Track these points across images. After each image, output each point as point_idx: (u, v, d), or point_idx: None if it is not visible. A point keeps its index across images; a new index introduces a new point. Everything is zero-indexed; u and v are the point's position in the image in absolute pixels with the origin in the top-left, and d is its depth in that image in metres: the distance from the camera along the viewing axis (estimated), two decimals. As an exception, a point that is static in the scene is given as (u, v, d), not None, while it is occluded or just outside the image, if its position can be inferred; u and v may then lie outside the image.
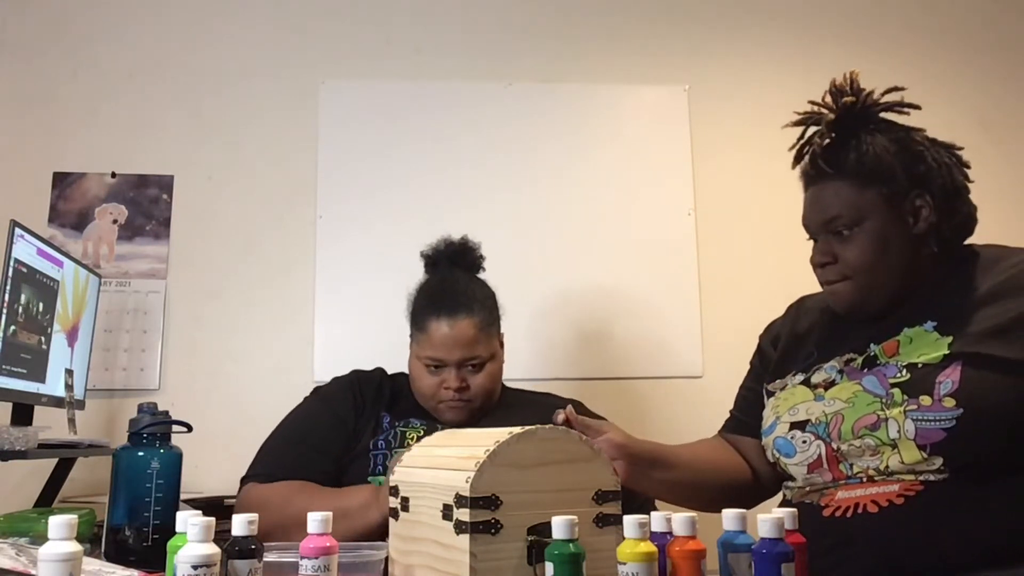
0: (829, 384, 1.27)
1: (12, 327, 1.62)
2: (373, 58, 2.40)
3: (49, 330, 1.80)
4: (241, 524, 0.87)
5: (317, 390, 1.67)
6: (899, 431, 1.13)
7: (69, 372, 1.89)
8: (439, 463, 0.97)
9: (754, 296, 2.24)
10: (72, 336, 1.93)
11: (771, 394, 1.37)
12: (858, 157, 1.26)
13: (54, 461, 1.84)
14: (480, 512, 0.85)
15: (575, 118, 2.40)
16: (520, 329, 2.29)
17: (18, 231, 1.65)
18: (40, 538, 1.05)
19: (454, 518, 0.87)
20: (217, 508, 1.72)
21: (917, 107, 1.31)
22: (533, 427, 0.92)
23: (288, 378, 2.18)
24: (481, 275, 1.71)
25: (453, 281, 1.63)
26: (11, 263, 1.61)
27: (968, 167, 1.31)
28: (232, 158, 2.31)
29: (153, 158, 2.29)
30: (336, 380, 1.67)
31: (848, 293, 1.28)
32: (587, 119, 2.41)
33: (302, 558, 0.87)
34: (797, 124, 1.35)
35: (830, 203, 1.28)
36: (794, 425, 1.27)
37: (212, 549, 0.83)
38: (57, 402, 1.84)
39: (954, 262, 1.28)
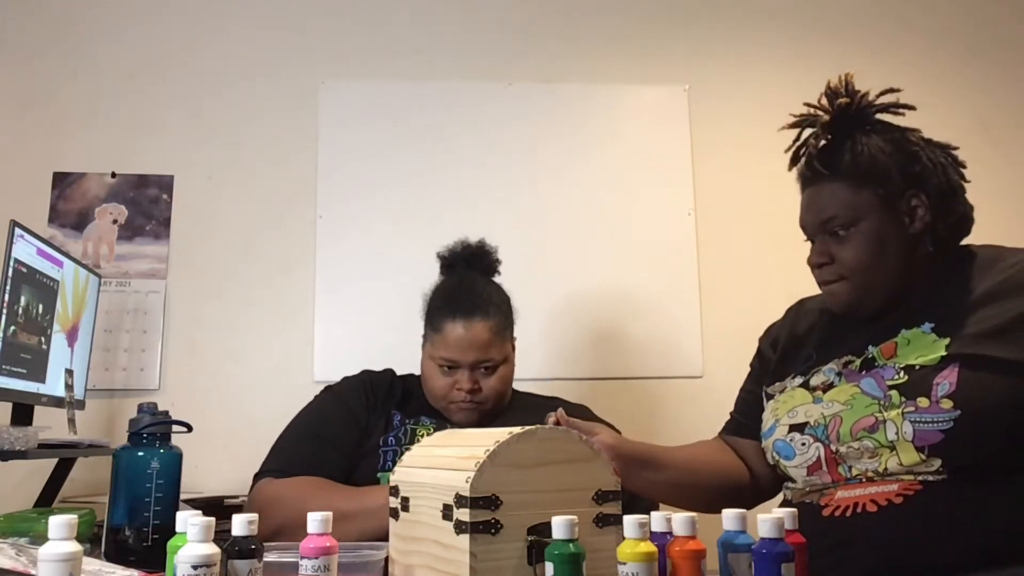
0: (828, 386, 1.27)
1: (12, 327, 1.62)
2: (373, 58, 2.40)
3: (49, 330, 1.80)
4: (241, 524, 0.87)
5: (329, 388, 1.67)
6: (897, 433, 1.13)
7: (69, 372, 1.89)
8: (439, 463, 0.97)
9: (754, 296, 2.25)
10: (72, 336, 1.93)
11: (770, 396, 1.38)
12: (853, 158, 1.27)
13: (54, 461, 1.84)
14: (480, 512, 0.85)
15: (575, 118, 2.40)
16: (520, 329, 2.29)
17: (18, 231, 1.66)
18: (40, 538, 1.05)
19: (454, 518, 0.87)
20: (217, 508, 1.72)
21: (912, 107, 1.32)
22: (533, 427, 0.92)
23: (288, 378, 2.18)
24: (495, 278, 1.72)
25: (470, 283, 1.64)
26: (11, 263, 1.61)
27: (964, 167, 1.32)
28: (232, 158, 2.31)
29: (153, 158, 2.29)
30: (348, 379, 1.68)
31: (845, 293, 1.29)
32: (587, 119, 2.41)
33: (302, 558, 0.87)
34: (793, 126, 1.36)
35: (826, 204, 1.28)
36: (793, 427, 1.27)
37: (212, 549, 0.83)
38: (57, 402, 1.84)
39: (951, 263, 1.28)
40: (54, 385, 1.82)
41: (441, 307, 1.60)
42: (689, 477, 1.40)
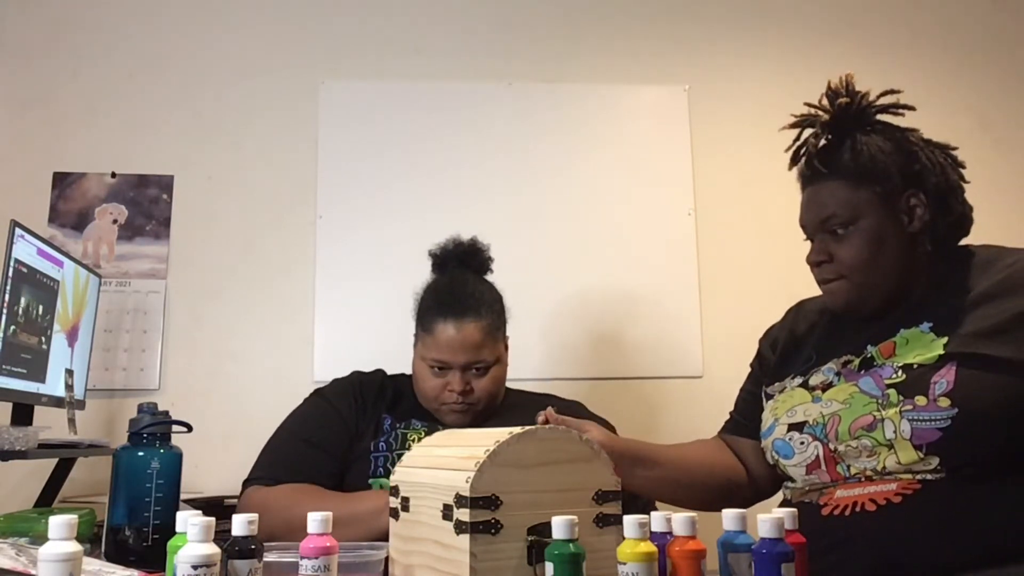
0: (827, 386, 1.28)
1: (12, 327, 1.62)
2: (373, 58, 2.40)
3: (49, 330, 1.80)
4: (241, 524, 0.87)
5: (318, 391, 1.66)
6: (895, 431, 1.14)
7: (69, 372, 1.89)
8: (439, 463, 0.97)
9: (754, 296, 2.25)
10: (72, 336, 1.93)
11: (770, 396, 1.38)
12: (853, 157, 1.28)
13: (54, 461, 1.84)
14: (480, 512, 0.85)
15: (575, 118, 2.40)
16: (520, 329, 2.29)
17: (18, 231, 1.66)
18: (40, 538, 1.05)
19: (454, 518, 0.87)
20: (217, 508, 1.72)
21: (912, 108, 1.32)
22: (533, 427, 0.92)
23: (288, 378, 2.18)
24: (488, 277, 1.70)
25: (462, 283, 1.62)
26: (11, 263, 1.61)
27: (963, 167, 1.32)
28: (232, 158, 2.31)
29: (153, 158, 2.29)
30: (337, 381, 1.66)
31: (844, 292, 1.29)
32: (587, 119, 2.41)
33: (302, 558, 0.88)
34: (793, 126, 1.36)
35: (825, 202, 1.29)
36: (792, 427, 1.27)
37: (212, 549, 0.83)
38: (57, 402, 1.84)
39: (950, 262, 1.29)
40: (54, 385, 1.82)
41: (432, 307, 1.58)
42: (683, 474, 1.40)
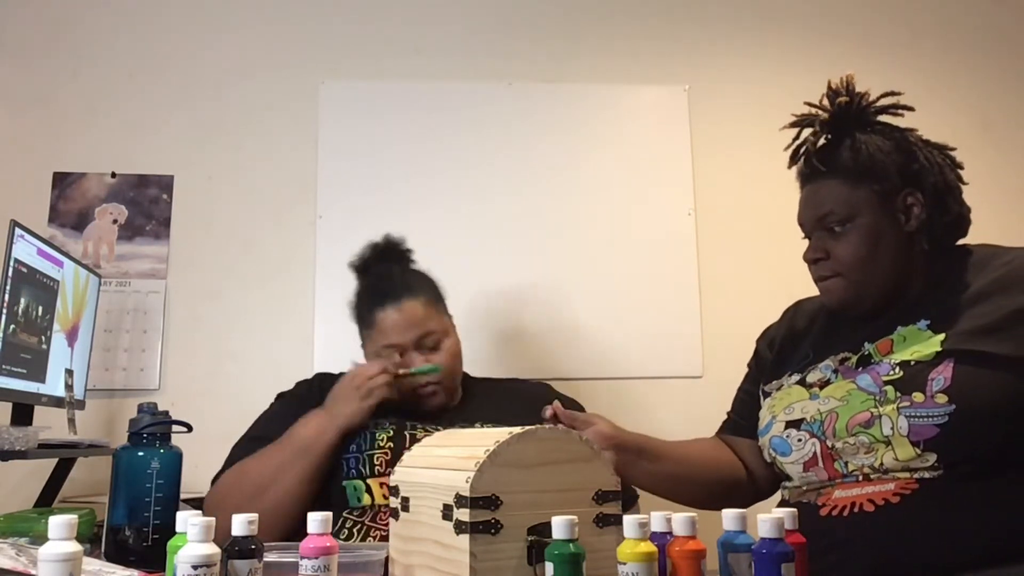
0: (824, 383, 1.28)
1: (12, 327, 1.62)
2: (373, 58, 2.40)
3: (49, 330, 1.80)
4: (241, 524, 0.87)
5: (280, 393, 1.66)
6: (892, 428, 1.14)
7: (69, 372, 1.89)
8: (439, 463, 0.97)
9: (754, 296, 2.24)
10: (72, 336, 1.93)
11: (767, 395, 1.38)
12: (852, 155, 1.28)
13: (54, 461, 1.84)
14: (480, 512, 0.85)
15: (575, 118, 2.40)
16: (520, 329, 2.29)
17: (18, 231, 1.66)
18: (40, 538, 1.05)
19: (454, 518, 0.87)
20: (217, 508, 1.72)
21: (911, 108, 1.33)
22: (533, 427, 0.92)
23: (288, 378, 2.16)
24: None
25: (388, 274, 1.64)
26: (11, 263, 1.61)
27: (961, 167, 1.33)
28: (232, 158, 2.31)
29: (153, 158, 2.29)
30: (300, 382, 1.66)
31: (840, 289, 1.30)
32: (587, 119, 2.40)
33: (302, 558, 0.87)
34: (793, 126, 1.37)
35: (823, 200, 1.30)
36: (789, 424, 1.28)
37: (212, 549, 0.83)
38: (57, 402, 1.84)
39: (947, 261, 1.29)
40: (54, 385, 1.82)
41: (367, 303, 1.60)
42: (685, 470, 1.41)
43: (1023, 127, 2.55)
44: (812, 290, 1.48)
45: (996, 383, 1.12)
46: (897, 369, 1.19)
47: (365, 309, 1.61)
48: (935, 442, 1.11)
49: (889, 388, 1.17)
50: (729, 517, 0.89)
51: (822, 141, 1.33)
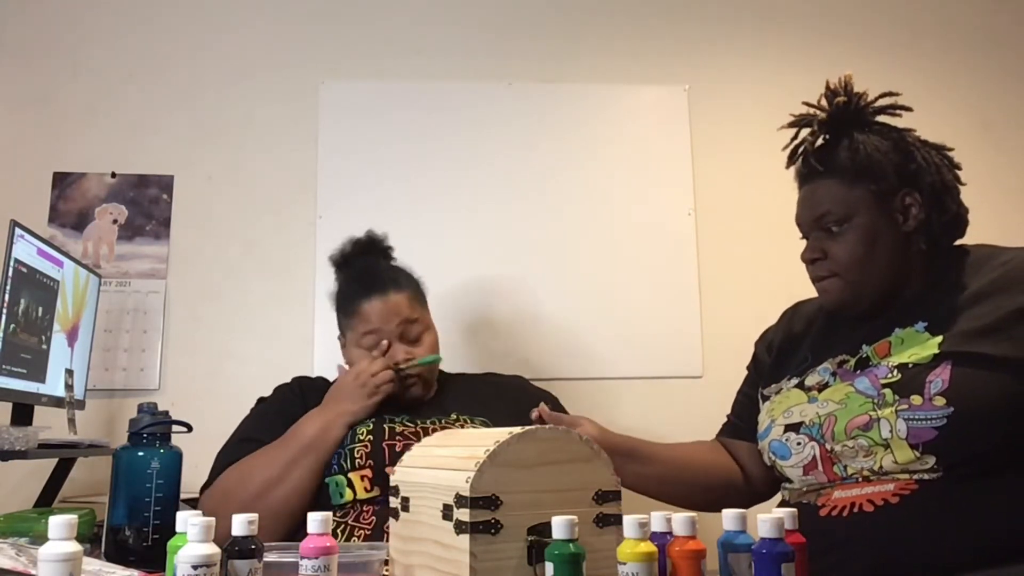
0: (823, 386, 1.28)
1: (12, 327, 1.62)
2: (373, 58, 2.39)
3: (49, 330, 1.80)
4: (241, 524, 0.87)
5: (261, 398, 1.66)
6: (891, 431, 1.14)
7: (69, 372, 1.89)
8: (439, 463, 0.97)
9: (754, 296, 2.25)
10: (72, 336, 1.93)
11: (766, 398, 1.38)
12: (849, 155, 1.28)
13: (54, 461, 1.84)
14: (480, 512, 0.85)
15: (575, 118, 2.40)
16: (520, 328, 2.29)
17: (18, 231, 1.66)
18: (40, 538, 1.05)
19: (454, 518, 0.87)
20: (217, 508, 1.72)
21: (909, 109, 1.33)
22: (533, 427, 0.92)
23: (288, 378, 2.17)
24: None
25: (372, 266, 1.66)
26: (11, 263, 1.61)
27: (959, 168, 1.32)
28: (232, 158, 2.31)
29: (153, 158, 2.29)
30: (280, 386, 1.67)
31: (837, 290, 1.30)
32: (587, 119, 2.40)
33: (302, 558, 0.87)
34: (792, 126, 1.37)
35: (820, 200, 1.30)
36: (788, 427, 1.28)
37: (212, 549, 0.83)
38: (57, 402, 1.84)
39: (944, 262, 1.29)
40: (54, 385, 1.82)
41: (352, 295, 1.61)
42: (677, 473, 1.41)
43: (1023, 127, 2.54)
44: (812, 290, 1.48)
45: (994, 384, 1.12)
46: (895, 372, 1.19)
47: (349, 299, 1.62)
48: (934, 445, 1.11)
49: (887, 391, 1.17)
50: (729, 517, 0.89)
51: (820, 141, 1.33)
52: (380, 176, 2.32)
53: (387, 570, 1.02)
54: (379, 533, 1.35)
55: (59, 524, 0.80)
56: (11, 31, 2.31)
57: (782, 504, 1.31)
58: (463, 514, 0.85)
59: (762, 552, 0.84)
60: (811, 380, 1.31)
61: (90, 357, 2.04)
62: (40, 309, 1.76)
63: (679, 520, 0.87)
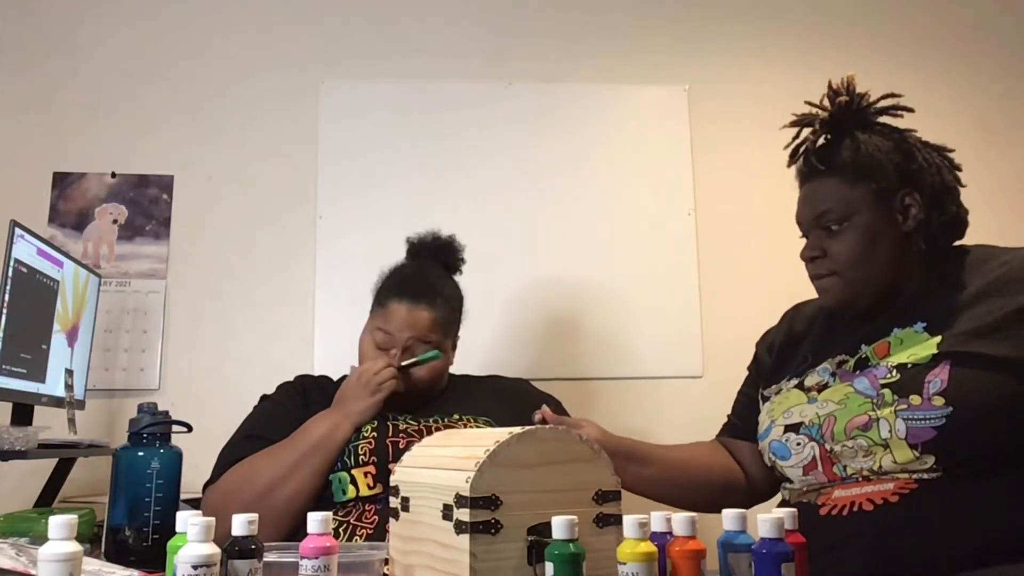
0: (822, 387, 1.28)
1: (12, 327, 1.62)
2: (373, 58, 2.40)
3: (49, 330, 1.80)
4: (241, 524, 0.87)
5: (264, 395, 1.66)
6: (890, 431, 1.14)
7: (69, 372, 1.89)
8: (439, 463, 0.97)
9: (754, 296, 2.25)
10: (72, 336, 1.93)
11: (766, 399, 1.39)
12: (851, 154, 1.29)
13: (54, 461, 1.84)
14: (480, 512, 0.85)
15: (575, 118, 2.40)
16: (520, 329, 2.29)
17: (18, 231, 1.66)
18: (40, 538, 1.05)
19: (454, 518, 0.87)
20: (217, 508, 1.72)
21: (911, 110, 1.33)
22: (533, 427, 0.92)
23: (288, 378, 2.17)
24: (459, 277, 1.72)
25: (426, 271, 1.65)
26: (11, 263, 1.61)
27: (959, 169, 1.33)
28: (232, 158, 2.31)
29: (153, 158, 2.29)
30: (283, 384, 1.67)
31: (837, 289, 1.30)
32: (587, 119, 2.40)
33: (302, 558, 0.87)
34: (793, 125, 1.37)
35: (821, 199, 1.30)
36: (788, 428, 1.28)
37: (212, 549, 0.83)
38: (57, 402, 1.84)
39: (944, 262, 1.29)
40: (54, 385, 1.82)
41: (391, 287, 1.61)
42: (677, 474, 1.42)
43: (1023, 127, 2.54)
44: (811, 291, 1.48)
45: (993, 384, 1.12)
46: (894, 372, 1.19)
47: (386, 290, 1.62)
48: (933, 444, 1.11)
49: (886, 391, 1.17)
50: (729, 517, 0.89)
51: (821, 140, 1.33)
52: (380, 176, 2.32)
53: (387, 570, 1.02)
54: (381, 533, 1.35)
55: (59, 524, 0.80)
56: (11, 31, 2.31)
57: (782, 504, 1.31)
58: (463, 514, 0.85)
59: (762, 552, 0.84)
60: (810, 380, 1.31)
61: (90, 357, 2.04)
62: (40, 309, 1.76)
63: (679, 520, 0.87)
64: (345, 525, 1.39)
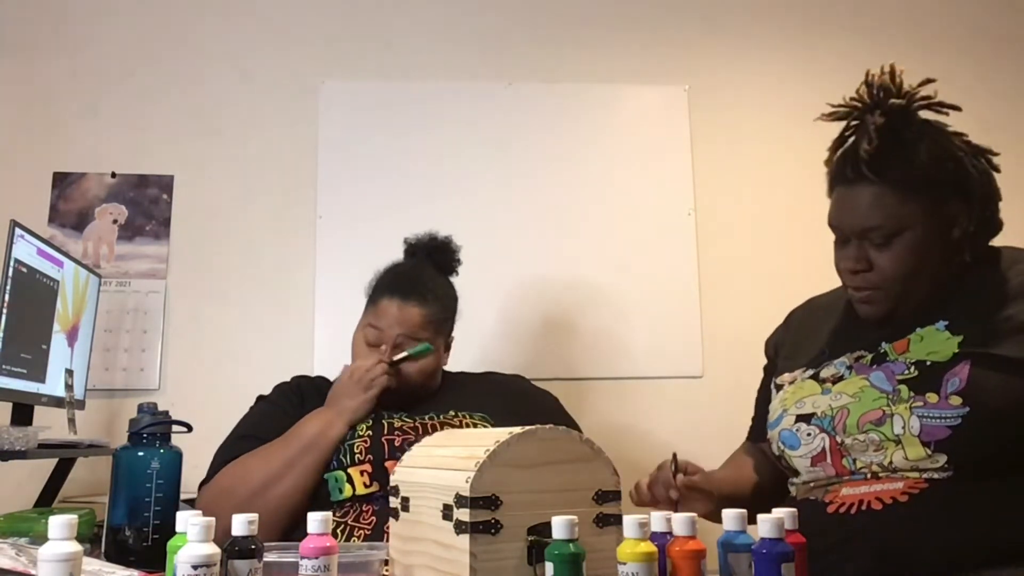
0: (837, 379, 1.26)
1: (12, 327, 1.62)
2: (373, 59, 2.40)
3: (49, 330, 1.80)
4: (241, 524, 0.87)
5: (260, 395, 1.66)
6: (904, 427, 1.13)
7: (69, 372, 1.89)
8: (439, 463, 0.97)
9: (754, 296, 2.25)
10: (72, 336, 1.93)
11: (780, 387, 1.37)
12: (905, 166, 1.22)
13: (54, 461, 1.84)
14: (480, 512, 0.85)
15: (575, 118, 2.40)
16: (520, 329, 2.29)
17: (18, 231, 1.66)
18: (40, 538, 1.04)
19: (454, 518, 0.87)
20: (217, 508, 1.72)
21: (958, 108, 1.27)
22: (533, 427, 0.92)
23: (288, 378, 2.17)
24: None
25: (420, 271, 1.66)
26: (11, 263, 1.61)
27: (998, 171, 1.28)
28: (232, 158, 2.31)
29: (153, 158, 2.29)
30: (279, 384, 1.67)
31: (880, 302, 1.25)
32: (587, 119, 2.40)
33: (302, 558, 0.87)
34: (838, 119, 1.29)
35: (870, 210, 1.22)
36: (800, 418, 1.26)
37: (212, 549, 0.83)
38: (57, 402, 1.84)
39: (972, 262, 1.26)
40: (54, 385, 1.82)
41: (385, 284, 1.62)
42: (759, 502, 1.38)
43: (1023, 127, 2.54)
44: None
45: (1012, 387, 1.11)
46: (912, 368, 1.18)
47: (379, 287, 1.63)
48: (946, 444, 1.10)
49: (903, 387, 1.16)
50: (729, 517, 0.89)
51: (870, 146, 1.22)
52: (380, 176, 2.32)
53: (387, 570, 1.01)
54: (379, 533, 1.35)
55: (59, 524, 0.80)
56: (11, 31, 2.31)
57: (789, 500, 1.30)
58: (463, 514, 0.85)
59: (762, 552, 0.83)
60: (826, 372, 1.29)
61: (90, 357, 2.04)
62: (40, 309, 1.76)
63: (679, 520, 0.87)
64: (343, 526, 1.39)
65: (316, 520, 0.89)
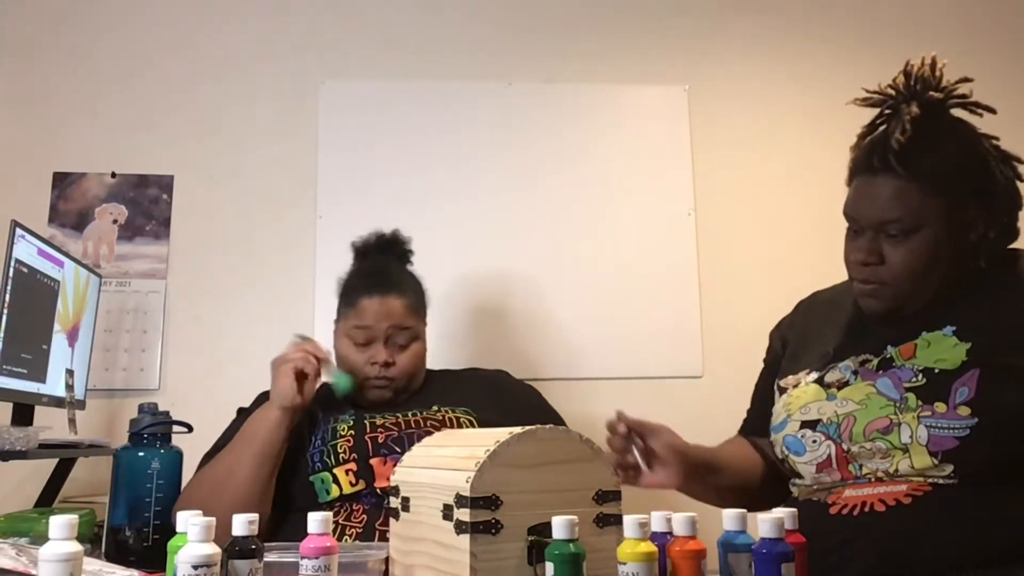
0: (843, 384, 1.25)
1: (12, 327, 1.62)
2: (373, 58, 2.39)
3: (49, 330, 1.80)
4: (241, 524, 0.87)
5: (241, 409, 1.66)
6: (912, 436, 1.12)
7: (69, 372, 1.89)
8: (439, 463, 0.97)
9: (754, 296, 2.25)
10: (72, 336, 1.93)
11: (783, 390, 1.35)
12: (935, 162, 1.20)
13: (54, 461, 1.84)
14: (480, 512, 0.85)
15: (575, 118, 2.40)
16: (520, 328, 2.29)
17: (18, 231, 1.66)
18: (40, 538, 1.05)
19: (454, 518, 0.87)
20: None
21: (992, 111, 1.25)
22: (533, 427, 0.92)
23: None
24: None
25: (385, 265, 1.69)
26: (11, 263, 1.61)
27: (1022, 180, 1.26)
28: (232, 158, 2.31)
29: (153, 158, 2.29)
30: (260, 395, 1.66)
31: (885, 298, 1.24)
32: (587, 119, 2.40)
33: (302, 558, 0.88)
34: (871, 105, 1.26)
35: (891, 203, 1.19)
36: (805, 424, 1.25)
37: (212, 549, 0.83)
38: (57, 402, 1.84)
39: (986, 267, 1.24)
40: (54, 385, 1.82)
41: (356, 286, 1.64)
42: (738, 480, 1.37)
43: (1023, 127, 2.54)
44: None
45: (1021, 397, 1.10)
46: (920, 376, 1.16)
47: (352, 290, 1.64)
48: (953, 454, 1.10)
49: (910, 395, 1.15)
50: (729, 517, 0.89)
51: (899, 135, 1.19)
52: (380, 176, 2.32)
53: (387, 570, 1.02)
54: (371, 531, 1.35)
55: (59, 524, 0.80)
56: (11, 31, 2.31)
57: (790, 500, 1.30)
58: (463, 514, 0.85)
59: (762, 552, 0.84)
60: (831, 377, 1.27)
61: (90, 357, 2.04)
62: (40, 309, 1.76)
63: (679, 520, 0.87)
64: (334, 525, 1.39)
65: (316, 520, 0.89)
